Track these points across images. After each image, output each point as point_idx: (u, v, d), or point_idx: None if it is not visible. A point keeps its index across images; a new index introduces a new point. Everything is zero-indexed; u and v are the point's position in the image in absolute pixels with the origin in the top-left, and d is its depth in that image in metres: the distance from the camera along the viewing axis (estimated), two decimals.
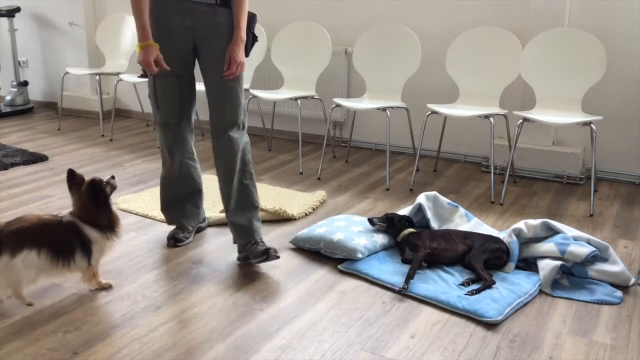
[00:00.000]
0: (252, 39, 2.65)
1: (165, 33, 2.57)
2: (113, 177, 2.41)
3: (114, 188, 2.41)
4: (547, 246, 2.55)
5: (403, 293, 2.39)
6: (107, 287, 2.41)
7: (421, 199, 2.93)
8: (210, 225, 3.07)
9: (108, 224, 2.33)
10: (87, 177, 2.35)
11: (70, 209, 2.33)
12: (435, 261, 2.62)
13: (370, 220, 2.83)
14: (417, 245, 2.64)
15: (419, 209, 2.91)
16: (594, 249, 2.49)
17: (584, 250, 2.48)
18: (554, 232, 2.63)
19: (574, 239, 2.56)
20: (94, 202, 2.30)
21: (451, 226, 2.93)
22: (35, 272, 2.19)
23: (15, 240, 2.14)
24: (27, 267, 2.15)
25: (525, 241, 2.64)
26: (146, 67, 2.53)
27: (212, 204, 3.30)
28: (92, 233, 2.29)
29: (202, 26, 2.58)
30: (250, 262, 2.61)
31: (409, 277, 2.45)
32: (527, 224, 2.65)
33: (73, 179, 2.34)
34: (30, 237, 2.17)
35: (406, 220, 2.81)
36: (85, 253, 2.28)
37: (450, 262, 2.63)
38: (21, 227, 2.18)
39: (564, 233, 2.60)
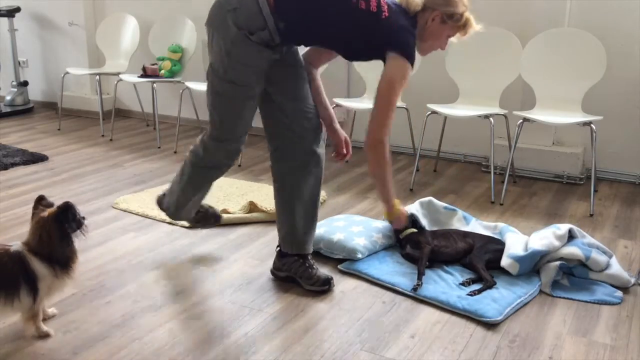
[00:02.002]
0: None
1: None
2: (84, 218, 2.07)
3: (82, 224, 2.04)
4: (571, 249, 2.51)
5: (417, 291, 2.38)
6: (44, 336, 2.07)
7: (414, 207, 2.90)
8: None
9: (64, 259, 2.01)
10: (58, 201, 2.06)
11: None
12: (435, 259, 2.62)
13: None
14: (419, 242, 2.64)
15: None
16: (609, 258, 2.53)
17: (603, 259, 2.50)
18: (571, 236, 2.62)
19: (589, 246, 2.55)
20: (59, 227, 1.98)
21: None
22: None
23: None
24: None
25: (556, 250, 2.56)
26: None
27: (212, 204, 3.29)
28: (40, 268, 1.96)
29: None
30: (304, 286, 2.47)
31: (421, 273, 2.46)
32: (555, 234, 2.57)
33: (40, 203, 2.04)
34: None
35: (411, 220, 2.81)
36: (32, 290, 1.96)
37: (451, 260, 2.63)
38: None
39: (579, 238, 2.60)
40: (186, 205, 2.64)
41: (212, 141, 2.42)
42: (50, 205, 2.04)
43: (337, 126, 2.54)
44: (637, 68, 3.73)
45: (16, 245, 2.00)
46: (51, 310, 2.20)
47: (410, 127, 4.12)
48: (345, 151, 2.56)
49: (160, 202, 2.75)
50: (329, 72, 4.33)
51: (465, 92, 3.87)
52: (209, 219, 2.81)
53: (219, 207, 3.12)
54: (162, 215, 3.17)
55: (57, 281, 2.01)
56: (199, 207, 2.73)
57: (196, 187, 2.58)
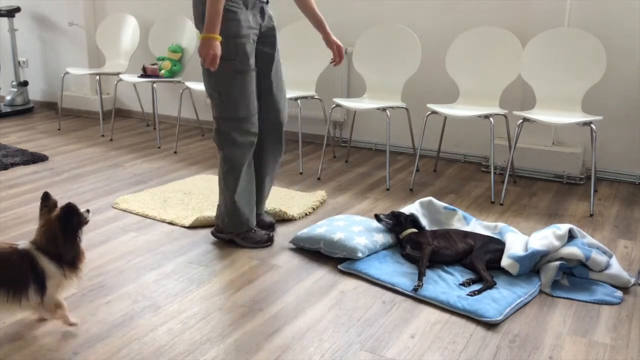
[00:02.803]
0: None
1: (248, 29, 2.62)
2: (88, 211, 2.11)
3: (86, 221, 2.09)
4: (571, 249, 2.51)
5: (418, 292, 2.38)
6: (73, 324, 2.12)
7: (414, 207, 2.91)
8: (210, 225, 3.07)
9: (71, 259, 2.03)
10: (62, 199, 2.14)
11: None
12: (435, 260, 2.62)
13: (377, 217, 2.83)
14: (420, 243, 2.64)
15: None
16: (609, 258, 2.53)
17: (603, 259, 2.50)
18: (571, 236, 2.62)
19: (589, 246, 2.55)
20: (64, 228, 2.00)
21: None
22: None
23: None
24: None
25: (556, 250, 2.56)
26: (211, 63, 2.50)
27: (212, 204, 3.30)
28: (49, 266, 1.99)
29: (267, 26, 2.73)
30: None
31: (421, 274, 2.46)
32: (555, 234, 2.57)
33: (46, 201, 2.06)
34: None
35: (411, 220, 2.82)
36: (40, 288, 1.98)
37: (451, 261, 2.63)
38: None
39: (579, 238, 2.60)
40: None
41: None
42: (55, 203, 2.06)
43: (328, 30, 2.95)
44: (637, 68, 3.73)
45: (24, 244, 2.02)
46: (74, 320, 2.16)
47: (410, 127, 4.12)
48: (338, 58, 2.98)
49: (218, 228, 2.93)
50: (329, 72, 4.34)
51: (465, 92, 3.87)
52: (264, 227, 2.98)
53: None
54: (162, 215, 3.18)
55: (65, 280, 2.03)
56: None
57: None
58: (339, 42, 2.96)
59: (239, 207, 2.79)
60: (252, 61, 2.67)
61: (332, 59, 3.00)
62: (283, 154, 2.97)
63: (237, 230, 2.83)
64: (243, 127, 2.69)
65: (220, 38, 2.48)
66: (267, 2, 2.74)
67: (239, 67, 2.62)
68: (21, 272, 1.96)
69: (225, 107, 2.67)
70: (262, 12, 2.71)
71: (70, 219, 2.02)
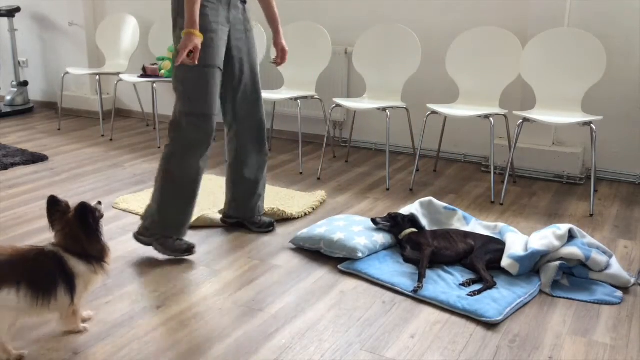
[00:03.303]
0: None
1: (217, 24, 2.61)
2: (100, 203, 2.12)
3: (101, 215, 2.11)
4: (571, 249, 2.51)
5: (418, 293, 2.38)
6: (82, 331, 2.12)
7: (414, 207, 2.91)
8: (210, 225, 3.07)
9: (98, 254, 2.05)
10: (73, 198, 2.13)
11: (53, 240, 2.04)
12: (436, 260, 2.62)
13: (374, 220, 2.83)
14: (420, 244, 2.64)
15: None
16: (609, 258, 2.53)
17: (603, 259, 2.50)
18: (571, 236, 2.62)
19: (589, 246, 2.55)
20: (84, 228, 2.01)
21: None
22: (14, 315, 1.89)
23: None
24: (4, 310, 1.85)
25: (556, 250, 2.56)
26: (187, 57, 2.48)
27: (212, 204, 3.30)
28: (78, 266, 1.99)
29: (237, 20, 2.71)
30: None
31: (421, 275, 2.46)
32: (555, 234, 2.58)
33: (56, 205, 2.04)
34: (7, 273, 1.86)
35: (409, 220, 2.82)
36: (69, 289, 1.98)
37: (451, 262, 2.63)
38: None
39: (579, 238, 2.60)
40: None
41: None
42: (67, 205, 2.05)
43: (280, 30, 2.97)
44: (637, 68, 3.73)
45: (48, 246, 2.00)
46: (87, 313, 2.20)
47: (410, 127, 4.12)
48: (280, 60, 2.99)
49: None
50: (329, 72, 4.35)
51: (465, 92, 3.87)
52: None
53: (219, 206, 3.13)
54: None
55: (93, 277, 2.04)
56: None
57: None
58: (286, 47, 2.97)
59: (172, 208, 2.68)
60: (221, 58, 2.64)
61: (275, 58, 2.99)
62: (267, 154, 2.95)
63: (164, 233, 2.69)
64: (202, 125, 2.62)
65: (201, 35, 2.47)
66: (244, 1, 2.73)
67: (206, 62, 2.58)
68: (50, 273, 1.95)
69: (189, 101, 2.61)
70: (237, 10, 2.69)
71: (87, 218, 2.01)
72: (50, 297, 1.93)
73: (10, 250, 1.93)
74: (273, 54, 3.04)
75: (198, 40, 2.45)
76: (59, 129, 5.15)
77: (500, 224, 2.89)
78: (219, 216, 3.07)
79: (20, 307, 1.87)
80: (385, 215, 2.89)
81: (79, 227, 2.00)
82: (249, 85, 2.81)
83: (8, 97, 5.80)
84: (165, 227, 2.69)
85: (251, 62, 2.81)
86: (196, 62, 2.49)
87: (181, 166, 2.65)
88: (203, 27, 2.53)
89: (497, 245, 2.65)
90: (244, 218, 3.01)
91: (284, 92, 4.24)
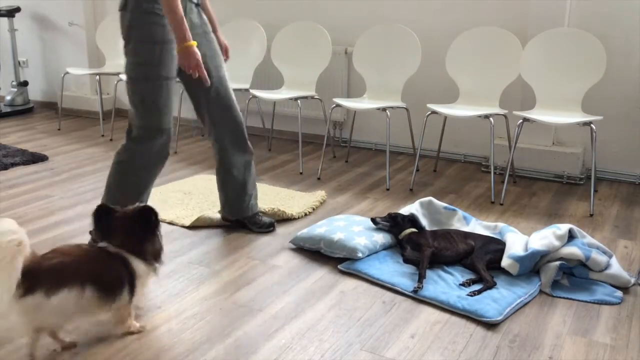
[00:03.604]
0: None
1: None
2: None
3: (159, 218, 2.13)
4: (571, 249, 2.51)
5: (418, 293, 2.38)
6: (139, 331, 2.13)
7: (414, 207, 2.91)
8: (210, 225, 3.07)
9: (156, 255, 2.08)
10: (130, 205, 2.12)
11: (104, 242, 2.05)
12: (436, 260, 2.62)
13: (374, 220, 2.83)
14: (420, 244, 2.64)
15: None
16: (609, 258, 2.53)
17: (603, 259, 2.50)
18: (571, 236, 2.62)
19: (589, 246, 2.55)
20: (147, 229, 2.05)
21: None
22: (69, 314, 1.90)
23: (56, 277, 1.85)
24: (61, 308, 1.86)
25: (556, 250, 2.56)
26: (200, 70, 2.47)
27: (212, 204, 3.30)
28: (140, 266, 2.02)
29: (194, 25, 2.64)
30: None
31: (421, 276, 2.45)
32: (555, 234, 2.58)
33: (110, 213, 2.05)
34: (70, 274, 1.88)
35: (409, 220, 2.82)
36: (130, 289, 2.01)
37: (451, 262, 2.63)
38: (61, 261, 1.90)
39: (579, 238, 2.60)
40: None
41: None
42: (122, 210, 2.06)
43: (218, 28, 2.89)
44: (637, 68, 3.73)
45: (109, 247, 2.01)
46: (141, 325, 2.15)
47: (410, 127, 4.12)
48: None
49: None
50: (329, 72, 4.35)
51: (465, 92, 3.87)
52: None
53: (218, 206, 3.13)
54: (162, 215, 3.18)
55: (150, 277, 2.07)
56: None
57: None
58: (227, 44, 2.94)
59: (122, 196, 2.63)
60: (175, 67, 2.59)
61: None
62: (252, 153, 2.93)
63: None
64: (163, 140, 2.63)
65: (195, 43, 2.45)
66: (198, 4, 2.68)
67: (165, 74, 2.54)
68: (118, 274, 1.98)
69: (151, 116, 2.58)
70: (192, 13, 2.63)
71: (151, 219, 2.05)
72: (115, 297, 1.97)
73: (76, 250, 1.97)
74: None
75: (198, 50, 2.46)
76: (59, 129, 5.15)
77: (500, 224, 2.89)
78: (218, 216, 3.07)
79: (81, 306, 1.89)
80: (385, 215, 2.89)
81: (142, 229, 2.04)
82: (219, 88, 2.76)
83: (8, 97, 5.80)
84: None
85: (216, 64, 2.74)
86: (204, 75, 2.50)
87: (133, 176, 2.64)
88: (161, 38, 2.49)
89: (497, 246, 2.65)
90: (241, 218, 3.01)
91: (283, 92, 4.24)
